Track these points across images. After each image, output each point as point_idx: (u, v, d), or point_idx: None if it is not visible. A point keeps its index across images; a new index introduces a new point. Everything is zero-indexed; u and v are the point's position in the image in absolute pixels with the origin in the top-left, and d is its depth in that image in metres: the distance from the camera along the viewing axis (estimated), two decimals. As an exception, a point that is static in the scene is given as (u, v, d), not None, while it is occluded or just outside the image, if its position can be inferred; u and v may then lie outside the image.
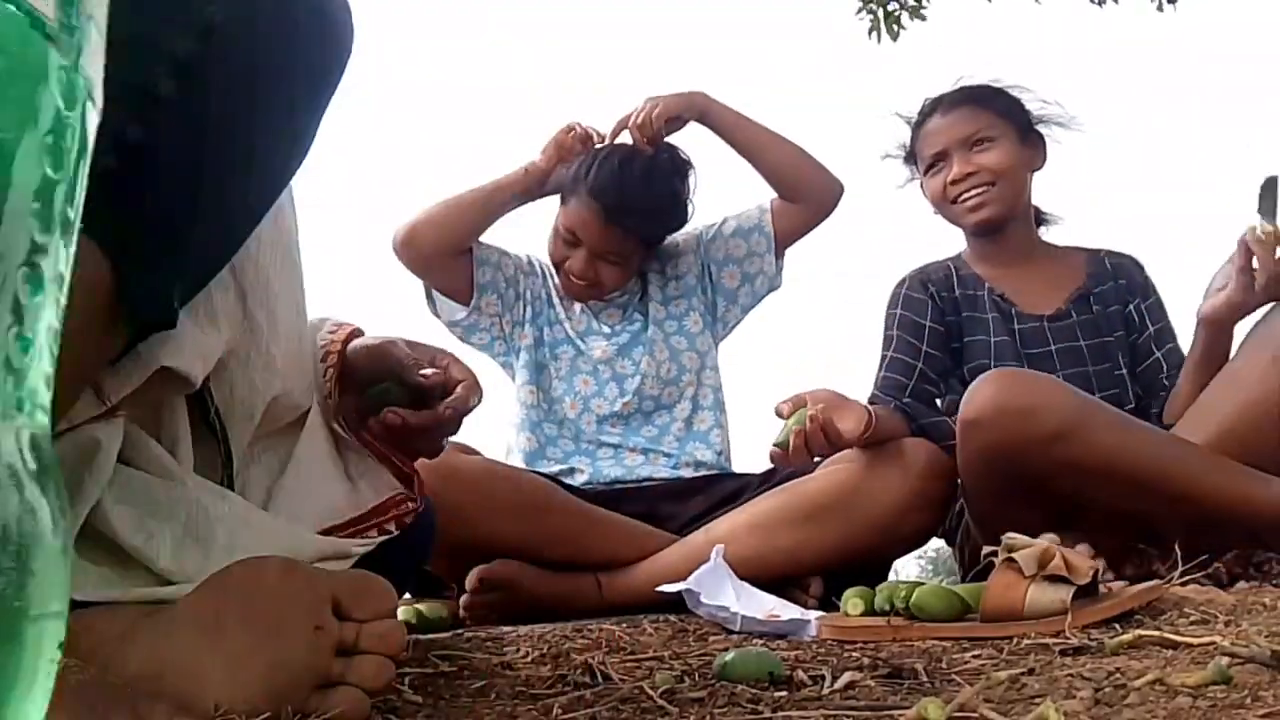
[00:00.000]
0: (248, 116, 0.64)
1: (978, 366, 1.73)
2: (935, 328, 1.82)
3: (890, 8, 4.65)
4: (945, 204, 1.87)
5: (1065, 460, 1.41)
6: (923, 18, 4.68)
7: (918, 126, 1.92)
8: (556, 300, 1.95)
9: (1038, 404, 1.42)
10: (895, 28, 4.65)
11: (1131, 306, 1.84)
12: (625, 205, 1.80)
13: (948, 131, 1.85)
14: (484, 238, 1.91)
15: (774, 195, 1.93)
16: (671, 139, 1.90)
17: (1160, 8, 4.44)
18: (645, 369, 1.86)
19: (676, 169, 1.89)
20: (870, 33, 4.66)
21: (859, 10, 4.67)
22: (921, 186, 1.95)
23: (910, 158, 1.96)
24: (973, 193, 1.82)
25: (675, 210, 1.90)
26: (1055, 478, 1.43)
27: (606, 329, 1.93)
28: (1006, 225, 1.85)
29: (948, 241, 1.98)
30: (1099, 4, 4.49)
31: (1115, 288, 1.85)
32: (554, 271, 1.94)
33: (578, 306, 1.95)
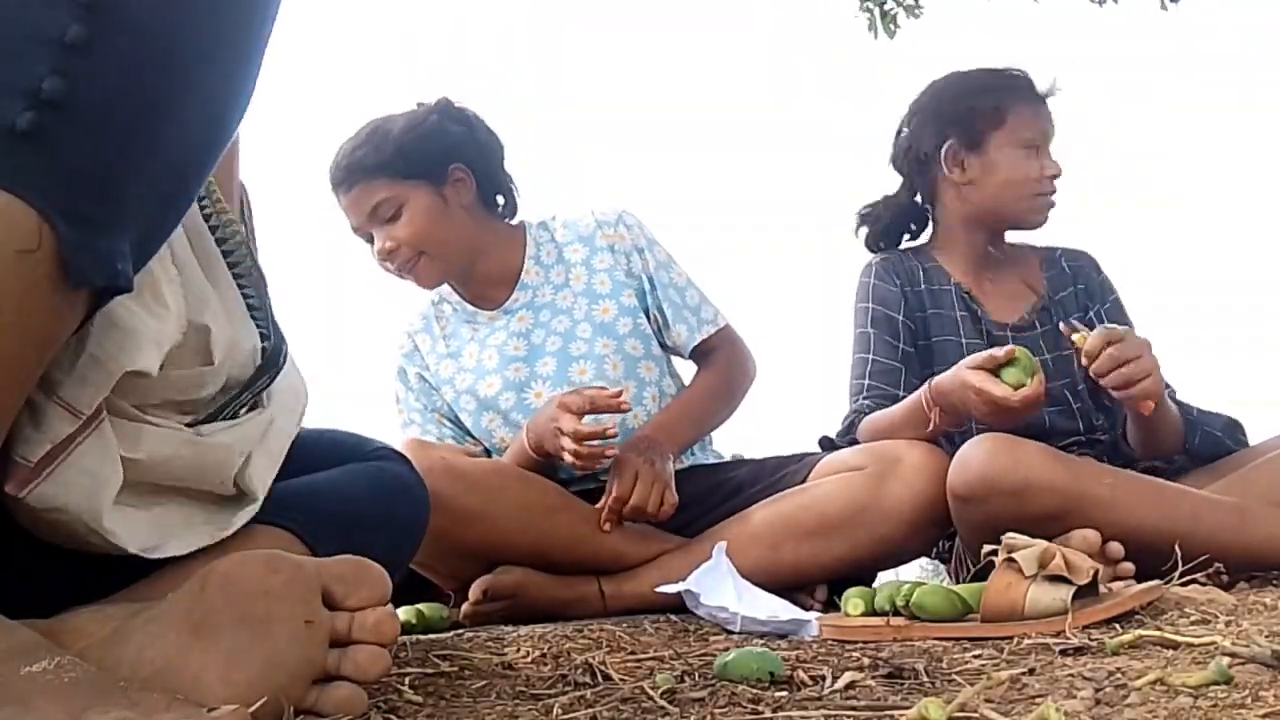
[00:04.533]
0: (173, 56, 0.60)
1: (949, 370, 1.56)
2: (906, 323, 1.74)
3: (886, 6, 4.66)
4: (1024, 192, 1.73)
5: (1064, 531, 1.31)
6: (917, 16, 4.69)
7: (1003, 92, 1.74)
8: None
9: (1031, 482, 1.34)
10: (892, 26, 4.66)
11: (1091, 313, 1.77)
12: (341, 163, 1.74)
13: (1042, 124, 1.74)
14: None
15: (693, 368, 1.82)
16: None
17: (1163, 6, 4.43)
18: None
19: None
20: (869, 29, 4.68)
21: (858, 9, 4.69)
22: (956, 151, 1.74)
23: (965, 121, 1.74)
24: (1052, 196, 1.74)
25: (392, 130, 1.73)
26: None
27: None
28: None
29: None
30: (1099, 3, 4.50)
31: (1074, 293, 1.79)
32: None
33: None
